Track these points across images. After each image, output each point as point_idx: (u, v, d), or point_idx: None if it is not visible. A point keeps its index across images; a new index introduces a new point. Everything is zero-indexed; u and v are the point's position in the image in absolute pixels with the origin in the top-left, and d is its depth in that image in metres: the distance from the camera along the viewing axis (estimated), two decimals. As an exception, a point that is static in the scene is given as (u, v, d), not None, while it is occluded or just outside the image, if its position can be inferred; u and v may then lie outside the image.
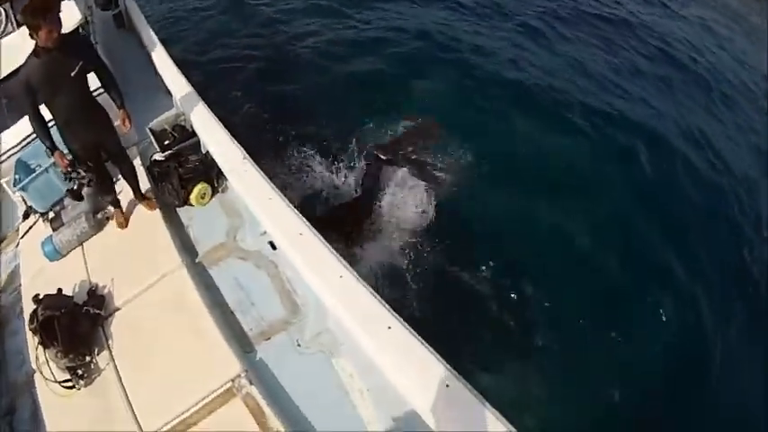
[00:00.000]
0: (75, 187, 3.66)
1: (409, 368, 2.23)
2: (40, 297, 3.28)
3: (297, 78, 7.63)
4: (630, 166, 6.43)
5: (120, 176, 3.99)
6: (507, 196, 5.62)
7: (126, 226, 3.91)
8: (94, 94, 3.57)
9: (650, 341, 4.64)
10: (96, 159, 3.63)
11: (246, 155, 3.59)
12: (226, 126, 3.90)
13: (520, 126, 6.77)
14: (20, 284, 3.77)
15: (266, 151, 5.82)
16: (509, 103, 7.19)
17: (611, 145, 6.76)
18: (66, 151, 3.44)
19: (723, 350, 4.67)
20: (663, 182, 6.28)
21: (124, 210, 3.95)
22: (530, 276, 4.88)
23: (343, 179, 5.79)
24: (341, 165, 5.90)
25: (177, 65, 4.60)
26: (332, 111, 6.83)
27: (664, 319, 4.80)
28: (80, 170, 3.51)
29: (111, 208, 3.97)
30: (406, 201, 5.38)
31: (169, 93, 4.59)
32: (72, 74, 3.17)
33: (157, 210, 3.92)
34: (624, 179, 6.25)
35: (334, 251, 2.80)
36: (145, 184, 4.07)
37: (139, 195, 3.96)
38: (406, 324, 2.40)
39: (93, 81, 3.41)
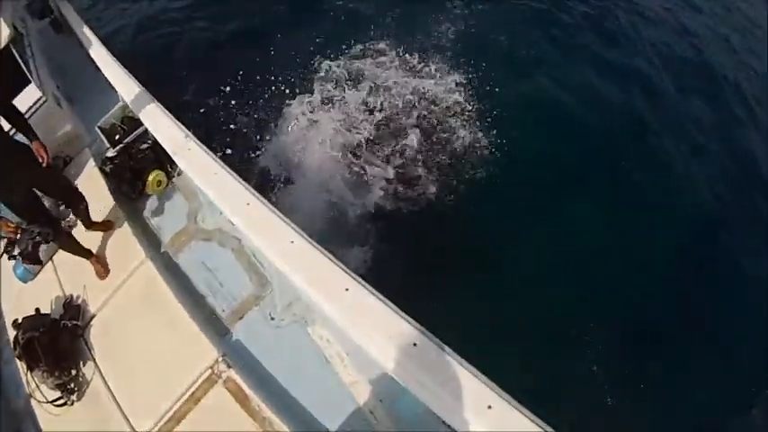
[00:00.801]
0: (30, 249, 3.30)
1: (372, 329, 2.02)
2: (19, 321, 3.21)
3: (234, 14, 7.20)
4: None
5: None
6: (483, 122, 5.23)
7: (106, 273, 3.46)
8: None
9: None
10: (35, 204, 3.32)
11: (189, 133, 3.33)
12: (167, 103, 3.61)
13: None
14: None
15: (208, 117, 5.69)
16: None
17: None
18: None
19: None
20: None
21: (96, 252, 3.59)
22: (495, 205, 4.62)
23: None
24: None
25: (115, 53, 4.25)
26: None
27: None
28: (32, 229, 3.20)
29: (72, 216, 3.76)
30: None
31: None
32: None
33: (118, 207, 3.73)
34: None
35: (283, 216, 2.57)
36: (99, 190, 3.83)
37: (91, 224, 3.64)
38: (366, 284, 2.18)
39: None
